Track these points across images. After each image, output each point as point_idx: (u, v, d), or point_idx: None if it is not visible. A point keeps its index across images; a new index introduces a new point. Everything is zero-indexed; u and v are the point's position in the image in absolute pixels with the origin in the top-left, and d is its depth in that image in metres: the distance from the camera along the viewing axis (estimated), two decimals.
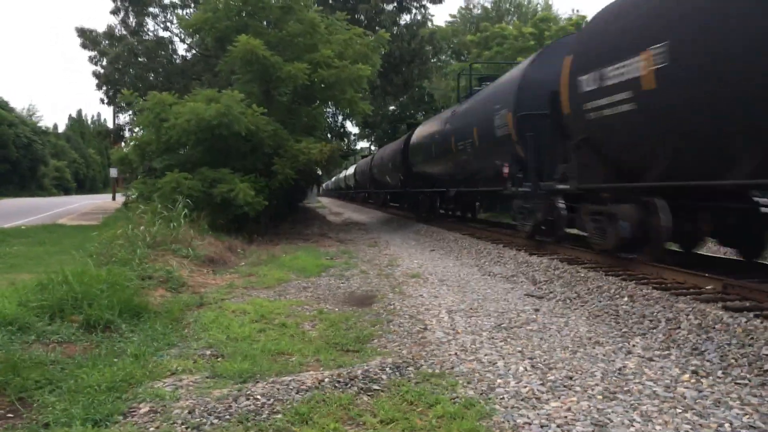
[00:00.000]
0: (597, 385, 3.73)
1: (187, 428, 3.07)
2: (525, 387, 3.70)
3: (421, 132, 18.67)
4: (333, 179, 58.11)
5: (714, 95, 5.26)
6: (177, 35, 22.82)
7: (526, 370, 4.04)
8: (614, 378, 3.86)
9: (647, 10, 6.26)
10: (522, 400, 3.51)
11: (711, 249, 9.49)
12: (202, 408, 3.29)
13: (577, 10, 53.93)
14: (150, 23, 22.81)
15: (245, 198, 11.42)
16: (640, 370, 4.01)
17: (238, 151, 12.60)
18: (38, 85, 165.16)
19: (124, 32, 22.55)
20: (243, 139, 12.12)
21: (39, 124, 75.91)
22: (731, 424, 3.14)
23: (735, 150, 5.33)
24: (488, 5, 42.49)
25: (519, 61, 13.28)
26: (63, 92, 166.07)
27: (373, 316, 5.73)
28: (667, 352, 4.42)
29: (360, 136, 34.10)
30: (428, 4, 23.44)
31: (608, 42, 6.88)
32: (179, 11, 22.08)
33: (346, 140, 25.64)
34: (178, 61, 22.73)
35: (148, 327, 4.95)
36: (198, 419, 3.16)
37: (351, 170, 41.21)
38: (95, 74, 22.52)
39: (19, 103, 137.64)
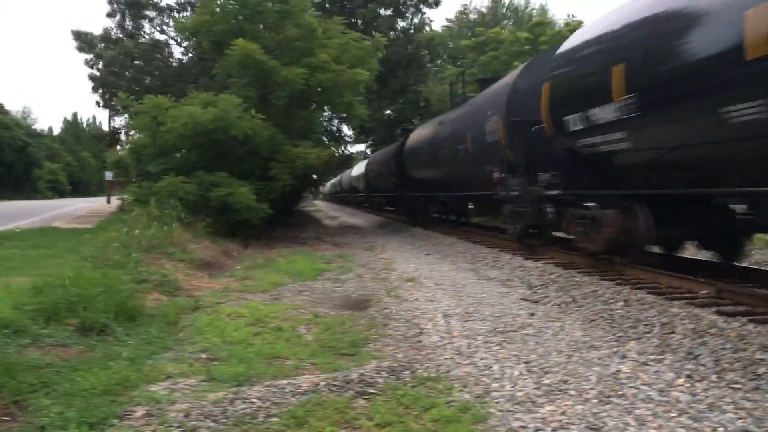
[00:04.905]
0: (592, 389, 3.75)
1: None
2: (520, 391, 3.71)
3: (415, 137, 18.62)
4: (345, 176, 54.51)
5: None
6: (173, 38, 22.84)
7: (521, 374, 4.05)
8: (609, 382, 3.87)
9: None
10: (517, 403, 3.52)
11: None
12: (197, 411, 3.28)
13: (573, 15, 54.08)
14: (146, 26, 22.87)
15: (244, 202, 11.38)
16: (634, 374, 4.02)
17: (234, 155, 12.58)
18: (33, 87, 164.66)
19: (121, 35, 22.58)
20: (239, 143, 12.12)
21: (34, 127, 75.69)
22: (725, 428, 3.16)
23: None
24: (484, 10, 42.62)
25: (515, 66, 13.36)
26: (58, 95, 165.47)
27: (369, 320, 5.73)
28: (661, 356, 4.44)
29: (356, 140, 34.04)
30: (425, 9, 23.55)
31: None
32: (176, 14, 22.12)
33: (342, 145, 25.63)
34: (174, 64, 22.75)
35: (144, 330, 4.92)
36: (194, 423, 3.16)
37: (354, 171, 39.35)
38: (91, 77, 22.59)
39: (14, 106, 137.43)
